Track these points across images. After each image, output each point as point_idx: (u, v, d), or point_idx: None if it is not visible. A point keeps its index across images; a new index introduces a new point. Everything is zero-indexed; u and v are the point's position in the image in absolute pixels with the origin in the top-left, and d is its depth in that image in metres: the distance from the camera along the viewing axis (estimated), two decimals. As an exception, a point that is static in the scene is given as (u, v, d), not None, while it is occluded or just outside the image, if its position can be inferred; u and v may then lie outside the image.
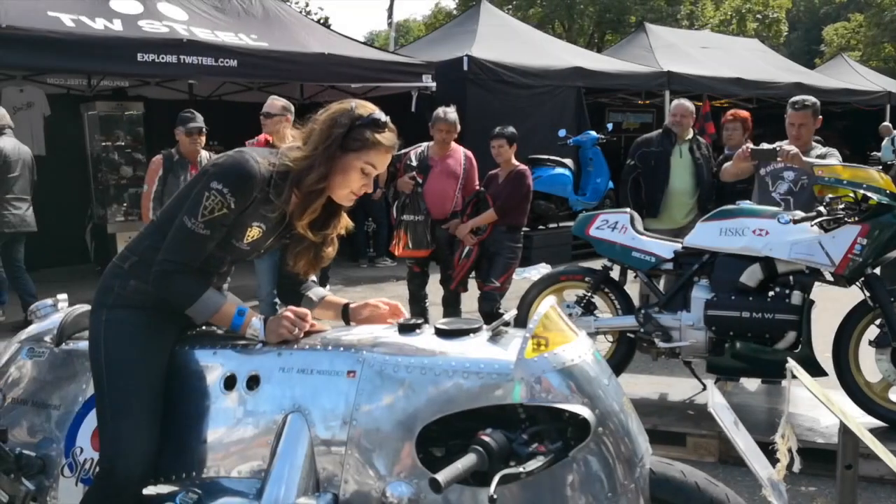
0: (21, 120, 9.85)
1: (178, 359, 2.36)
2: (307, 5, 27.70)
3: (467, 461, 1.79)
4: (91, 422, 2.41)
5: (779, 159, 4.57)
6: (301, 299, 2.55)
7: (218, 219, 2.20)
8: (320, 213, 2.35)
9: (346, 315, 2.50)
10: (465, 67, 10.90)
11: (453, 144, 6.05)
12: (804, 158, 4.46)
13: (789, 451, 2.21)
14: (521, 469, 1.79)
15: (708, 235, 4.43)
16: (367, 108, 2.29)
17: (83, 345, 2.63)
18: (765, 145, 4.77)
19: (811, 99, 4.90)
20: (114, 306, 2.34)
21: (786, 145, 4.62)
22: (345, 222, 2.50)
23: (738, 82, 14.53)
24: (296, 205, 2.30)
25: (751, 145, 4.98)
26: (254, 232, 2.32)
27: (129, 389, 2.25)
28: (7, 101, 9.75)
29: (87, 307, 2.82)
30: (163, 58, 8.03)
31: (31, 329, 2.84)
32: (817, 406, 4.07)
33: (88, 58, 7.79)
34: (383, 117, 2.29)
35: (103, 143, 9.89)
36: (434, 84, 10.21)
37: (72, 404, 2.54)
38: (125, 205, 9.70)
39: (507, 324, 2.15)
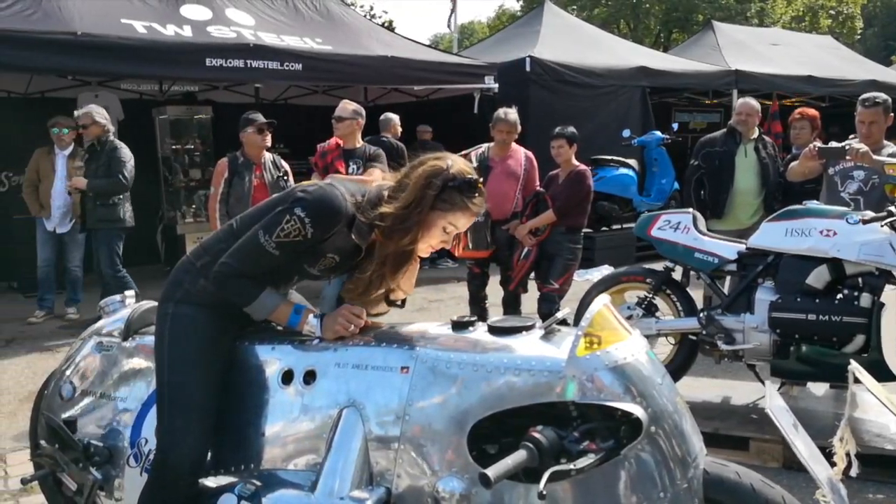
0: (96, 124, 10.19)
1: (237, 353, 2.43)
2: (372, 9, 28.03)
3: (518, 457, 1.79)
4: (155, 414, 2.48)
5: (848, 158, 4.44)
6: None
7: (291, 243, 2.22)
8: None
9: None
10: (528, 68, 10.86)
11: (514, 145, 6.05)
12: (874, 157, 4.33)
13: (847, 454, 2.14)
14: (571, 466, 1.79)
15: (773, 236, 4.33)
16: (461, 170, 2.27)
17: (149, 340, 2.72)
18: (833, 144, 4.64)
19: (882, 96, 4.75)
20: (181, 301, 2.40)
21: (855, 143, 4.48)
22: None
23: (810, 80, 14.14)
24: (381, 252, 2.31)
25: (818, 144, 4.84)
26: (328, 261, 2.36)
27: (186, 384, 2.32)
28: (83, 106, 10.09)
29: (153, 303, 2.92)
30: (230, 62, 8.19)
31: (100, 324, 2.96)
32: (887, 411, 3.94)
33: (159, 63, 7.97)
34: (476, 178, 2.28)
35: (174, 147, 10.18)
36: (496, 85, 10.19)
37: (137, 397, 2.63)
38: (194, 207, 9.94)
39: (563, 322, 2.14)
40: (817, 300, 4.11)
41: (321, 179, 6.31)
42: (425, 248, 2.36)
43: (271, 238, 2.21)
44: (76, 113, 7.19)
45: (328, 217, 2.21)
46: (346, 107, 6.03)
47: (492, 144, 6.01)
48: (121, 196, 6.97)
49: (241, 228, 2.37)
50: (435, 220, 2.27)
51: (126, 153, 6.98)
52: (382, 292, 2.42)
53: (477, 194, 2.28)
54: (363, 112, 6.12)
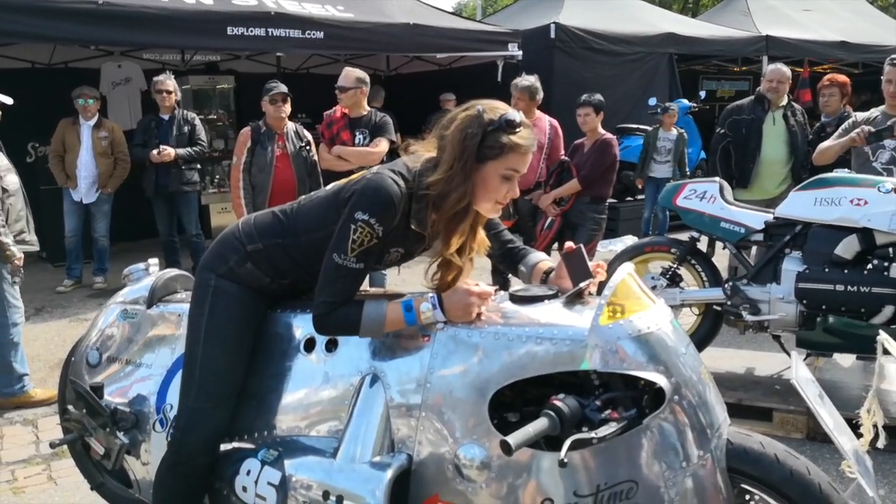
0: (120, 94, 10.23)
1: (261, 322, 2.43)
2: (395, -23, 27.65)
3: (539, 425, 1.79)
4: (179, 380, 2.49)
5: None
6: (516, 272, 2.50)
7: (368, 249, 2.10)
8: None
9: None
10: (553, 35, 10.73)
11: (538, 113, 5.97)
12: None
13: (874, 426, 2.11)
14: (592, 435, 1.78)
15: (801, 205, 4.27)
16: (496, 110, 2.12)
17: (173, 307, 2.75)
18: (874, 112, 4.55)
19: None
20: (225, 276, 2.35)
21: None
22: (482, 240, 2.35)
23: (843, 46, 13.84)
24: (439, 227, 2.21)
25: (868, 127, 4.66)
26: (392, 257, 2.27)
27: (220, 364, 2.32)
28: (106, 76, 10.12)
29: (177, 271, 2.95)
30: (251, 31, 8.14)
31: (125, 292, 2.98)
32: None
33: (181, 33, 7.94)
34: (516, 116, 2.11)
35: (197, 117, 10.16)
36: (520, 53, 10.06)
37: (162, 363, 2.66)
38: (217, 177, 9.96)
39: (583, 291, 2.12)
40: (846, 271, 4.05)
41: (328, 149, 6.11)
42: (491, 205, 2.17)
43: (348, 255, 2.09)
44: (157, 78, 7.53)
45: (388, 207, 2.08)
46: (349, 75, 5.77)
47: (515, 112, 5.95)
48: None
49: (296, 221, 2.30)
50: (490, 172, 2.11)
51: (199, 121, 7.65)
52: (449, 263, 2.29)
53: (520, 127, 2.11)
54: (367, 79, 5.88)
